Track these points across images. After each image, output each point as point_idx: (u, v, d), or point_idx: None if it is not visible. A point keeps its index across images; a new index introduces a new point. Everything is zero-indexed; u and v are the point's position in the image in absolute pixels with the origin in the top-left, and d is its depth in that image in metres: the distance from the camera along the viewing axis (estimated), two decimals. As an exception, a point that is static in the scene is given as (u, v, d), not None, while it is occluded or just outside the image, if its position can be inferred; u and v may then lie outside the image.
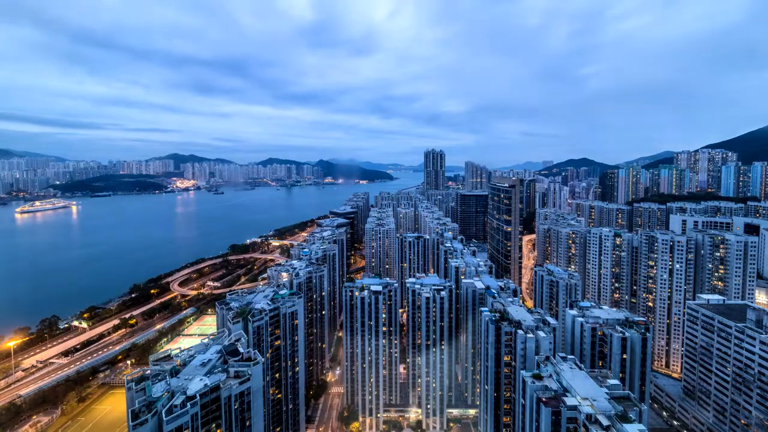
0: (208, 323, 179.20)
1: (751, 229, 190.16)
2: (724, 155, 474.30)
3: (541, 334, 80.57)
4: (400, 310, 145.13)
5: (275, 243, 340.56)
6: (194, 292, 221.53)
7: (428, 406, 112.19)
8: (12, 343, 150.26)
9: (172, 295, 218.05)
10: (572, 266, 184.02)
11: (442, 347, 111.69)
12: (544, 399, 61.73)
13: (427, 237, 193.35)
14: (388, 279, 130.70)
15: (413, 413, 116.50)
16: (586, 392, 60.67)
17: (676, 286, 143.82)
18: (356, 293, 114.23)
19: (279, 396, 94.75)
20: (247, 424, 63.64)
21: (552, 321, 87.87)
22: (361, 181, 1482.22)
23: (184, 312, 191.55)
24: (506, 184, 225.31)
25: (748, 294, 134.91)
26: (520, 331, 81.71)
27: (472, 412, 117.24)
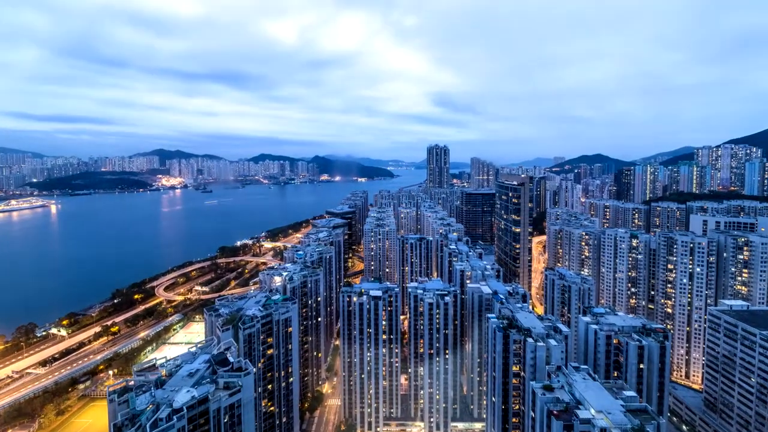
0: (196, 331, 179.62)
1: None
2: (748, 151, 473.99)
3: (552, 342, 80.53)
4: (402, 317, 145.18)
5: (267, 245, 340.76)
6: (181, 298, 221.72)
7: (431, 420, 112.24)
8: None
9: (157, 301, 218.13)
10: (585, 270, 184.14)
11: (446, 356, 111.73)
12: (555, 412, 61.70)
13: (430, 238, 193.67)
14: (388, 283, 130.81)
15: (415, 427, 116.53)
16: (600, 405, 60.62)
17: (697, 291, 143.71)
18: (354, 299, 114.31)
19: (272, 408, 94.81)
20: (238, 438, 63.61)
21: (564, 328, 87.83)
22: (359, 179, 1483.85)
23: (170, 319, 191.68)
24: (515, 182, 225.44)
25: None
26: (529, 340, 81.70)
27: (478, 425, 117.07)
